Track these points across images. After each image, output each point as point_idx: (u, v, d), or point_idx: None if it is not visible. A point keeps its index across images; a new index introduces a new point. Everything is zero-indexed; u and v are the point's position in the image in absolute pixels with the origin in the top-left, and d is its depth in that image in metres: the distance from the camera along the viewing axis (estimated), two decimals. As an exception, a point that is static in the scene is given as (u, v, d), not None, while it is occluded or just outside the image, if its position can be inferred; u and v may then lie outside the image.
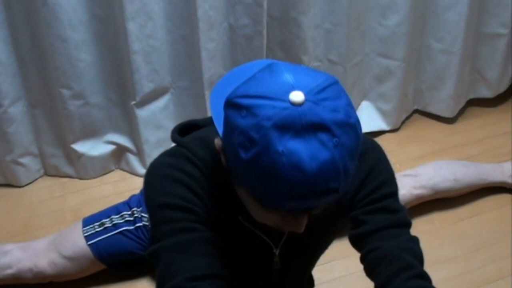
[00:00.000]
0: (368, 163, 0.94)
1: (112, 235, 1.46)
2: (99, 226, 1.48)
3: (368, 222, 0.93)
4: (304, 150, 0.72)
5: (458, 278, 1.57)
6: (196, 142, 0.95)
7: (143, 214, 1.46)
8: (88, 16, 1.61)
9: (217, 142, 0.84)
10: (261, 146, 0.73)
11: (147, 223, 1.44)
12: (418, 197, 1.69)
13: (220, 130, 0.83)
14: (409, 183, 1.68)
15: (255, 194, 0.79)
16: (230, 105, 0.76)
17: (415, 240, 0.96)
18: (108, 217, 1.49)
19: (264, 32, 1.74)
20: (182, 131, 1.02)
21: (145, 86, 1.72)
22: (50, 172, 1.90)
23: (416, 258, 0.94)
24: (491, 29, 2.01)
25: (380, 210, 0.94)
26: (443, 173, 1.73)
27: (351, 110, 0.75)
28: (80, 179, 1.88)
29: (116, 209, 1.51)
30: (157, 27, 1.65)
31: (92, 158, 1.85)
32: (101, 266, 1.49)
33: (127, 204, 1.52)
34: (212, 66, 1.74)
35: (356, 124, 0.76)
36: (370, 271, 0.96)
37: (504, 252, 1.64)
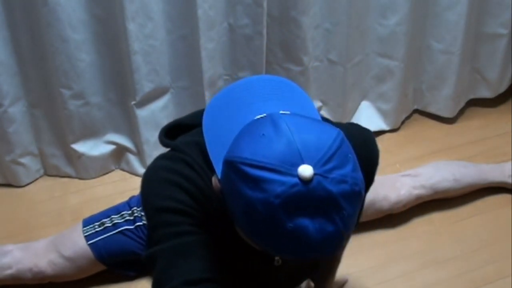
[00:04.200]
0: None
1: (112, 234, 1.46)
2: (99, 226, 1.47)
3: None
4: (311, 226, 0.73)
5: (458, 278, 1.57)
6: (191, 147, 0.95)
7: (143, 213, 1.46)
8: (88, 16, 1.61)
9: (215, 183, 0.83)
10: (268, 219, 0.73)
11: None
12: (417, 197, 1.69)
13: (218, 171, 0.82)
14: (409, 183, 1.68)
15: (252, 241, 0.79)
16: (235, 170, 0.75)
17: None
18: (108, 217, 1.49)
19: (264, 32, 1.74)
20: (169, 133, 1.01)
21: (145, 86, 1.72)
22: (50, 172, 1.90)
23: None
24: (491, 29, 2.01)
25: None
26: (442, 173, 1.73)
27: (356, 174, 0.76)
28: (80, 179, 1.88)
29: (116, 209, 1.51)
30: (157, 27, 1.65)
31: (92, 158, 1.85)
32: (101, 267, 1.49)
33: (127, 204, 1.51)
34: (212, 66, 1.74)
35: (361, 189, 0.77)
36: None
37: (504, 252, 1.64)
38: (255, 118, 0.83)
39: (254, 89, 0.90)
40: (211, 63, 1.74)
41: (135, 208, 1.48)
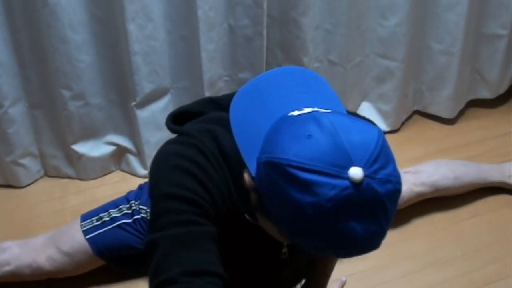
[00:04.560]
0: None
1: (110, 228, 1.44)
2: (97, 220, 1.46)
3: None
4: (359, 227, 0.73)
5: (458, 278, 1.57)
6: (203, 134, 0.92)
7: (141, 207, 1.44)
8: (88, 17, 1.61)
9: (249, 180, 0.81)
10: (317, 222, 0.72)
11: (145, 215, 1.42)
12: (418, 194, 1.69)
13: (251, 168, 0.80)
14: (410, 180, 1.68)
15: (289, 237, 0.78)
16: (282, 172, 0.73)
17: None
18: (106, 211, 1.47)
19: (264, 33, 1.74)
20: (175, 120, 0.99)
21: (145, 86, 1.72)
22: (50, 173, 1.90)
23: None
24: (491, 30, 2.01)
25: None
26: (443, 171, 1.73)
27: (397, 173, 0.76)
28: (81, 180, 1.88)
29: (114, 204, 1.49)
30: (157, 28, 1.65)
31: (92, 159, 1.85)
32: (100, 262, 1.47)
33: (125, 198, 1.49)
34: (212, 66, 1.74)
35: (401, 187, 0.77)
36: None
37: (504, 252, 1.64)
38: (290, 114, 0.81)
39: (282, 82, 0.88)
40: (211, 64, 1.74)
41: (133, 201, 1.47)
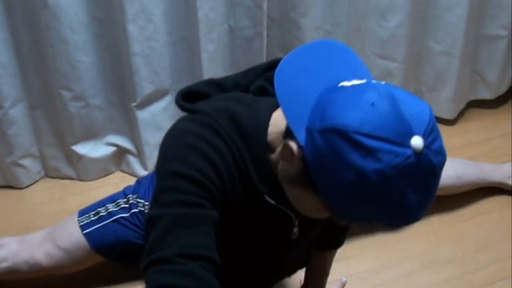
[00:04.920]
0: None
1: (107, 223, 1.42)
2: (94, 215, 1.44)
3: None
4: (413, 196, 0.75)
5: (458, 279, 1.57)
6: (220, 113, 0.91)
7: (138, 200, 1.42)
8: (88, 18, 1.61)
9: (294, 147, 0.80)
10: (378, 189, 0.74)
11: (142, 209, 1.41)
12: None
13: (300, 137, 0.79)
14: None
15: (333, 208, 0.79)
16: (346, 139, 0.73)
17: None
18: (104, 206, 1.45)
19: (264, 34, 1.74)
20: (184, 99, 0.98)
21: (146, 87, 1.73)
22: (50, 173, 1.90)
23: None
24: (491, 31, 2.01)
25: None
26: (445, 169, 1.72)
27: (444, 145, 0.79)
28: (81, 180, 1.89)
29: (112, 199, 1.46)
30: (157, 29, 1.66)
31: (92, 160, 1.85)
32: (98, 259, 1.45)
33: (123, 193, 1.47)
34: (212, 67, 1.75)
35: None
36: None
37: (504, 253, 1.64)
38: (341, 85, 0.81)
39: (326, 54, 0.88)
40: (212, 65, 1.74)
41: (130, 195, 1.44)
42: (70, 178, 1.89)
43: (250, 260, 1.09)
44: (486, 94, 2.17)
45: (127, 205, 1.43)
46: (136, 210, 1.42)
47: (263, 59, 1.79)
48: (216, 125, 0.90)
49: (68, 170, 1.88)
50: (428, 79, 2.05)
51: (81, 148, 1.82)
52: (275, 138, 0.90)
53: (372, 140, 0.73)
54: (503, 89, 2.19)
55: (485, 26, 2.01)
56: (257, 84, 1.01)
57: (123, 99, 1.78)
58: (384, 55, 1.94)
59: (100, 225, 1.42)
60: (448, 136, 2.07)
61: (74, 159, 1.84)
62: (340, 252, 1.34)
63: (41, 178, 1.90)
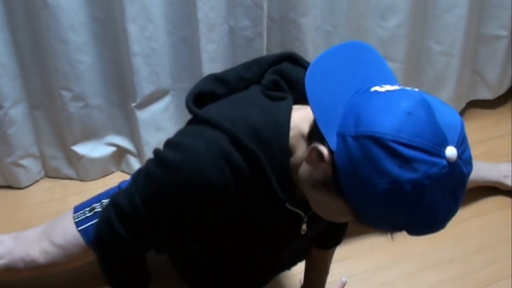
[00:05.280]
0: None
1: None
2: (89, 211, 1.41)
3: None
4: (443, 206, 0.77)
5: (459, 279, 1.57)
6: (238, 125, 0.91)
7: None
8: (88, 18, 1.61)
9: (325, 152, 0.79)
10: (412, 199, 0.74)
11: None
12: None
13: (331, 143, 0.78)
14: None
15: (359, 214, 0.79)
16: (383, 147, 0.73)
17: None
18: (99, 202, 1.43)
19: (264, 34, 1.74)
20: (196, 101, 0.99)
21: (146, 88, 1.73)
22: (50, 174, 1.90)
23: None
24: (491, 31, 2.01)
25: None
26: None
27: (472, 155, 0.79)
28: (81, 181, 1.89)
29: (107, 194, 1.44)
30: (158, 29, 1.66)
31: (92, 160, 1.85)
32: (94, 255, 1.44)
33: (118, 187, 1.45)
34: (212, 68, 1.75)
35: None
36: None
37: (505, 253, 1.64)
38: (374, 89, 0.80)
39: (355, 57, 0.88)
40: (212, 65, 1.74)
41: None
42: (70, 178, 1.89)
43: (256, 254, 1.10)
44: (486, 94, 2.17)
45: None
46: None
47: (263, 59, 1.79)
48: (236, 140, 0.89)
49: (68, 170, 1.88)
50: (428, 79, 2.05)
51: (81, 148, 1.82)
52: (296, 141, 0.90)
53: (408, 150, 0.72)
54: (503, 89, 2.19)
55: (485, 26, 2.01)
56: (269, 77, 1.01)
57: (123, 99, 1.78)
58: (384, 55, 1.92)
59: (95, 221, 1.40)
60: (448, 136, 2.07)
61: (74, 159, 1.84)
62: (340, 252, 1.34)
63: (41, 178, 1.90)
